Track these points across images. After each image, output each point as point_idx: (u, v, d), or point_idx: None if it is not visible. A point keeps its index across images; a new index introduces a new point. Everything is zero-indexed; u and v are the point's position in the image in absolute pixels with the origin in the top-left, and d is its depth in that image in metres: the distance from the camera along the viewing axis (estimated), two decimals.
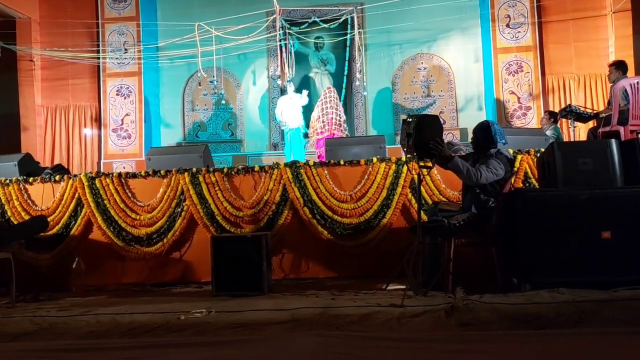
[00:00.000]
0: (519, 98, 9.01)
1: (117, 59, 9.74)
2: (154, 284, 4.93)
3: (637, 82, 5.58)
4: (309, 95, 9.25)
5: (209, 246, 4.34)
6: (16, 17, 9.63)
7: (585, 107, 7.77)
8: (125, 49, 9.73)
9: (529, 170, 4.68)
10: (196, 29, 8.55)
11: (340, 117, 8.23)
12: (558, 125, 7.62)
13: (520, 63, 9.01)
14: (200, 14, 9.49)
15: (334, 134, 7.98)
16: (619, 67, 6.06)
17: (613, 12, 8.54)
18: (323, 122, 8.13)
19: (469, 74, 9.83)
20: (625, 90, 5.62)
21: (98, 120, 9.86)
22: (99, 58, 9.61)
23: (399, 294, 3.60)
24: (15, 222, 5.08)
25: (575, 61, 8.95)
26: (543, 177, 4.17)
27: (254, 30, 9.11)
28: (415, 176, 4.05)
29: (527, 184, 4.66)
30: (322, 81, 10.24)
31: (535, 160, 4.62)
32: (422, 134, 3.69)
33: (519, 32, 9.06)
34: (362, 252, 4.77)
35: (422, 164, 3.89)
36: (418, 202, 3.90)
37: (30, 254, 5.01)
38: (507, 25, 9.07)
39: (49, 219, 5.00)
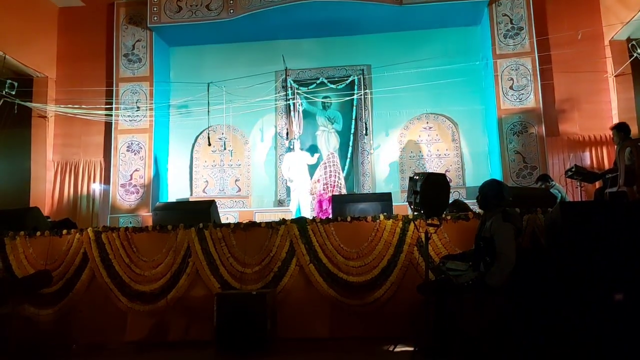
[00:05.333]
0: (524, 158, 9.07)
1: (129, 116, 9.98)
2: (156, 342, 4.83)
3: None
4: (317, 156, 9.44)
5: (213, 303, 4.28)
6: (34, 75, 10.00)
7: (593, 167, 7.80)
8: (138, 107, 9.98)
9: (536, 230, 4.64)
10: (207, 89, 8.80)
11: (340, 182, 8.42)
12: (557, 184, 7.62)
13: (525, 124, 9.14)
14: (212, 74, 9.84)
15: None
16: (622, 129, 6.12)
17: (615, 76, 8.71)
18: (325, 184, 8.28)
19: (474, 134, 9.97)
20: (631, 151, 5.65)
21: (107, 176, 9.99)
22: (111, 115, 9.84)
23: (407, 355, 3.51)
24: (20, 277, 5.05)
25: (579, 122, 9.07)
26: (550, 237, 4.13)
27: (263, 90, 9.36)
28: (422, 234, 4.03)
29: (535, 244, 4.60)
30: (329, 139, 10.40)
31: (542, 219, 4.59)
32: (429, 192, 3.72)
33: (522, 93, 9.25)
34: (368, 311, 4.67)
35: (429, 221, 3.88)
36: (425, 261, 3.87)
37: (32, 310, 4.95)
38: (511, 88, 9.27)
39: (53, 274, 4.98)
